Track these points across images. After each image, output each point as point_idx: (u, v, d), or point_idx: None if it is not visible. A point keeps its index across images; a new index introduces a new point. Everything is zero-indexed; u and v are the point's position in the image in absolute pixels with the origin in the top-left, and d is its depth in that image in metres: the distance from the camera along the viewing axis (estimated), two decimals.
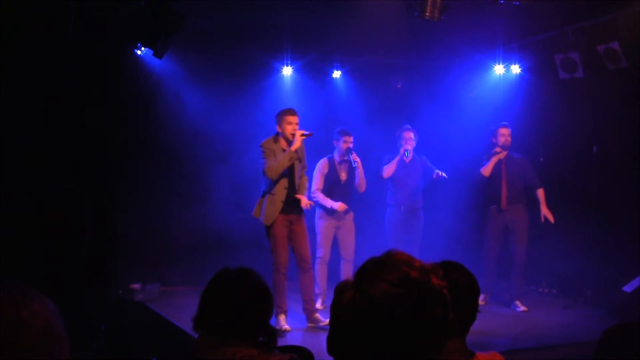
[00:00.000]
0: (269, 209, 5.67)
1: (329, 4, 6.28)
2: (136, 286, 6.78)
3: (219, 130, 7.40)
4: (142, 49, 6.75)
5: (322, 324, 5.71)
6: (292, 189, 5.74)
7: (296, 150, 5.68)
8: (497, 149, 6.67)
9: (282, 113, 5.75)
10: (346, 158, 6.39)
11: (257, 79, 7.77)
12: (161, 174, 7.40)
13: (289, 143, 5.68)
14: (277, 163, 5.56)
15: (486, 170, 6.64)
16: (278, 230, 5.66)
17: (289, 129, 5.66)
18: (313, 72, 8.06)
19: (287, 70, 7.90)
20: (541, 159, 7.28)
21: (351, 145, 6.35)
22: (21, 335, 1.19)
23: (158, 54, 6.01)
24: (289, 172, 5.70)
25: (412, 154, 6.71)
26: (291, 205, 5.72)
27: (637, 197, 6.47)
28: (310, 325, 5.82)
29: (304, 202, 5.79)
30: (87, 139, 4.71)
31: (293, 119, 5.67)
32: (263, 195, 5.77)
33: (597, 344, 2.50)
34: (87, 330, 4.23)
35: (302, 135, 5.63)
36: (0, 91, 4.16)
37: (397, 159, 6.69)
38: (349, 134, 6.40)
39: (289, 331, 5.56)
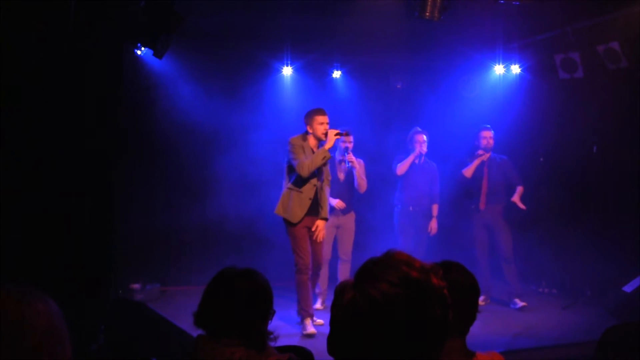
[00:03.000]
0: (297, 206, 5.51)
1: (329, 4, 6.29)
2: (136, 286, 6.79)
3: (220, 130, 7.40)
4: (142, 49, 6.75)
5: (315, 323, 5.71)
6: (320, 188, 5.63)
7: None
8: (480, 152, 6.80)
9: (313, 113, 5.59)
10: (343, 158, 6.37)
11: (257, 79, 7.76)
12: (161, 174, 7.41)
13: (320, 143, 5.55)
14: (311, 161, 5.40)
15: (468, 171, 6.79)
16: (300, 230, 5.53)
17: (320, 129, 5.50)
18: (313, 72, 8.06)
19: (287, 70, 7.90)
20: (541, 159, 7.28)
21: (350, 145, 6.33)
22: (24, 334, 1.19)
23: (158, 54, 6.01)
24: (318, 172, 5.55)
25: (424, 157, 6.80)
26: (315, 205, 5.61)
27: (637, 197, 6.47)
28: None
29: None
30: (86, 139, 4.70)
31: (324, 118, 5.54)
32: (288, 192, 5.59)
33: (597, 344, 2.50)
34: (87, 330, 4.23)
35: (337, 134, 5.49)
36: None
37: (411, 158, 6.73)
38: (348, 134, 6.39)
39: (314, 334, 5.47)
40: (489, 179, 6.78)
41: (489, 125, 6.85)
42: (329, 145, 5.44)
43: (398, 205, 6.87)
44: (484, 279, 6.63)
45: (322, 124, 5.52)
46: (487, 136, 6.76)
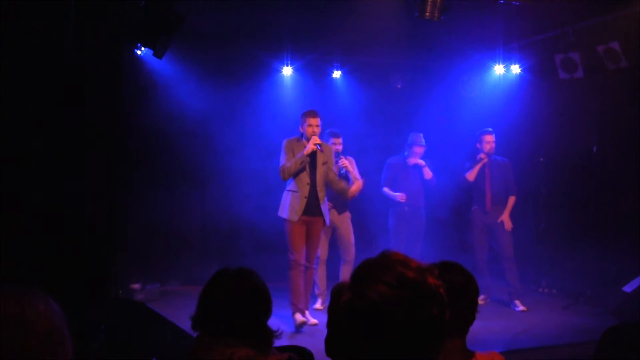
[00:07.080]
0: (293, 205, 5.67)
1: (329, 4, 6.29)
2: (136, 286, 6.78)
3: (219, 130, 7.40)
4: (142, 49, 6.74)
5: (309, 323, 5.71)
6: (314, 187, 5.70)
7: (314, 154, 5.65)
8: (482, 155, 6.77)
9: (305, 114, 5.74)
10: (335, 160, 6.32)
11: (257, 79, 7.76)
12: (161, 174, 7.40)
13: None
14: (289, 165, 5.61)
15: (471, 175, 6.79)
16: (295, 227, 5.66)
17: (309, 130, 5.66)
18: (313, 72, 8.05)
19: (287, 70, 7.89)
20: (541, 159, 7.28)
21: (339, 148, 6.23)
22: (25, 335, 1.19)
23: (158, 54, 6.01)
24: (310, 170, 5.67)
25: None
26: (312, 204, 5.68)
27: (637, 197, 6.47)
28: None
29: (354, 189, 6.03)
30: (86, 139, 4.70)
31: (313, 120, 5.66)
32: (286, 194, 5.78)
33: (597, 344, 2.50)
34: (87, 330, 4.23)
35: (315, 144, 5.60)
36: None
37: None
38: (337, 136, 6.31)
39: (303, 323, 5.57)
40: (492, 182, 6.76)
41: (491, 129, 6.80)
42: (307, 151, 5.58)
43: (393, 205, 6.83)
44: (484, 279, 6.63)
45: (310, 125, 5.67)
46: (490, 140, 6.73)
